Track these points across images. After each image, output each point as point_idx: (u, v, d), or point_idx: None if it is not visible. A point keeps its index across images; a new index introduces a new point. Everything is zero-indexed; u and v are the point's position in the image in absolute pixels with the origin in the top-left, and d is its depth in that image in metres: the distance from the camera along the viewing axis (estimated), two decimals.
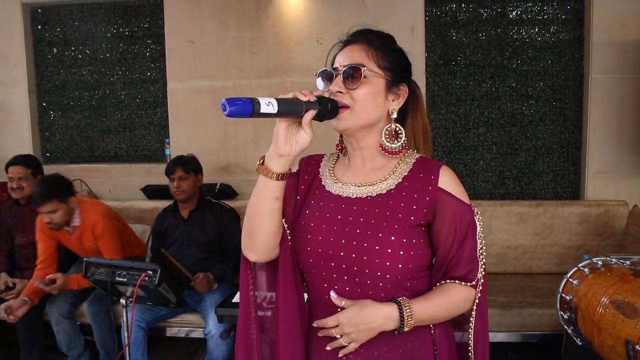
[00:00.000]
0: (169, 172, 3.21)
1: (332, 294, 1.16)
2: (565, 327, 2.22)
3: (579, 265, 2.21)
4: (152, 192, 4.04)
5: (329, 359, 1.19)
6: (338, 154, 1.33)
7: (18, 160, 3.32)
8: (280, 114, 1.05)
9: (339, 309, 1.15)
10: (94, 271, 2.45)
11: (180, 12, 4.00)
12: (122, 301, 2.37)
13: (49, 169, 4.13)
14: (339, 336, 1.13)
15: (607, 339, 1.88)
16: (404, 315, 1.11)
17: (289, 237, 1.25)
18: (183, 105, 4.08)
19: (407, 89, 1.23)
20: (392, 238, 1.12)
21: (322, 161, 1.33)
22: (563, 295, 2.20)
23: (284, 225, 1.24)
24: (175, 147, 4.07)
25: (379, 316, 1.11)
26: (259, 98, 1.00)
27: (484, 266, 1.19)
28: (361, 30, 1.23)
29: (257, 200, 1.18)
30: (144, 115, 4.27)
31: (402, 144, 1.21)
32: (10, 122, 4.29)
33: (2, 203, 3.58)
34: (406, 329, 1.12)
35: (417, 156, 1.24)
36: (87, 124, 4.34)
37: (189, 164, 3.23)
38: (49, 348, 3.32)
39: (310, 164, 1.32)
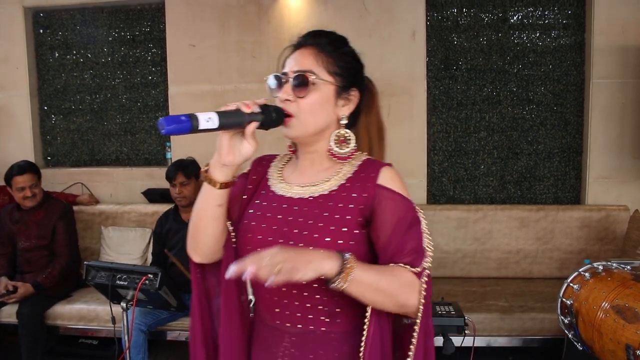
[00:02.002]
0: (169, 177, 3.21)
1: (231, 268, 0.99)
2: (566, 331, 2.22)
3: (580, 270, 2.21)
4: (153, 195, 4.04)
5: (271, 359, 1.18)
6: (291, 155, 1.32)
7: (26, 168, 3.32)
8: (222, 127, 1.05)
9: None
10: (94, 275, 2.45)
11: (181, 16, 4.01)
12: (123, 304, 2.37)
13: (50, 173, 4.16)
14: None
15: (607, 344, 1.88)
16: (346, 263, 1.01)
17: (234, 240, 1.24)
18: (184, 108, 4.06)
19: (358, 94, 1.21)
20: (327, 239, 1.10)
21: (273, 161, 1.33)
22: (564, 299, 2.20)
23: (228, 228, 1.24)
24: (177, 151, 4.07)
25: (318, 252, 1.03)
26: (198, 114, 1.00)
27: (429, 264, 1.11)
28: (313, 32, 1.21)
29: (200, 206, 1.19)
30: (145, 118, 4.27)
31: (351, 149, 1.20)
32: (12, 126, 4.30)
33: (1, 207, 3.58)
34: (343, 284, 1.01)
35: (365, 158, 1.23)
36: (89, 128, 4.35)
37: (190, 169, 3.23)
38: (50, 352, 3.31)
39: (260, 164, 1.32)
